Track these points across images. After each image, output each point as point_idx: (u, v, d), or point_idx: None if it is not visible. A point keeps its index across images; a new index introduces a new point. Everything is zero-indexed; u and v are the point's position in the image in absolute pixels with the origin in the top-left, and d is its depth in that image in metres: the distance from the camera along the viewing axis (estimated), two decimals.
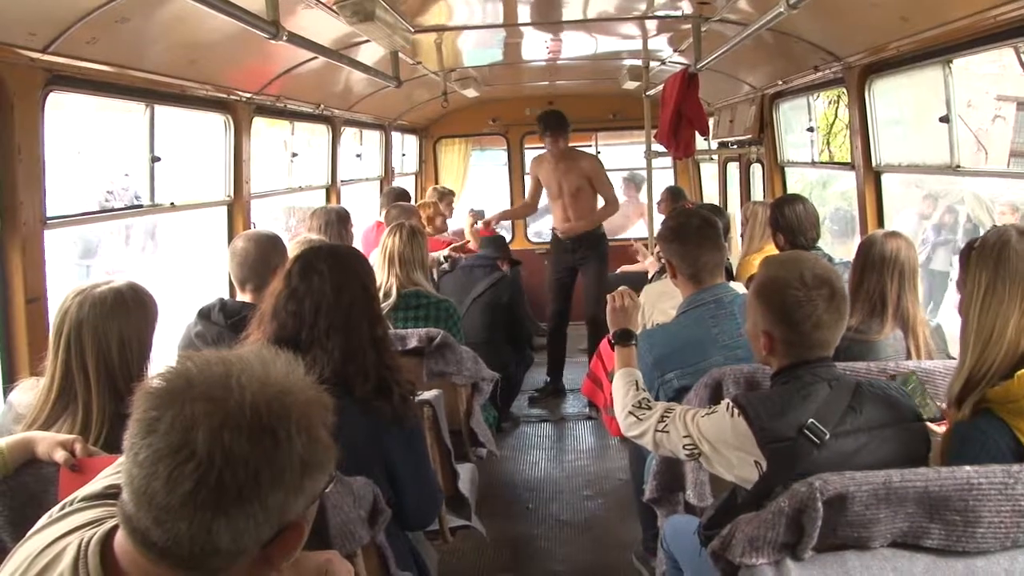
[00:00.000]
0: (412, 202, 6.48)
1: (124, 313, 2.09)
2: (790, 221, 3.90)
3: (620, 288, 2.79)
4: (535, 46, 5.76)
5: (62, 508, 1.26)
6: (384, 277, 3.87)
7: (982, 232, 2.25)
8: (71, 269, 8.70)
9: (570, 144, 6.23)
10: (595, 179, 6.25)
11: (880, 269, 2.86)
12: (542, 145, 6.25)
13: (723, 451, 2.08)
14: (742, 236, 5.08)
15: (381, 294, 3.78)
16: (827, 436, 1.95)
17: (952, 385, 2.03)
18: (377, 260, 3.96)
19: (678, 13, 4.49)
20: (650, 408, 2.34)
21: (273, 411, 1.05)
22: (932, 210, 8.48)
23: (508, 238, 8.22)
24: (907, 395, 2.15)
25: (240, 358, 1.09)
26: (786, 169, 5.70)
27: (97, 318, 2.06)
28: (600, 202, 6.38)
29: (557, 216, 6.44)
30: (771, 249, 4.54)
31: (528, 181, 6.64)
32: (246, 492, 1.02)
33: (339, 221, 4.56)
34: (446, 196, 6.82)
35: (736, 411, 2.06)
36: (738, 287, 3.19)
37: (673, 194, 6.95)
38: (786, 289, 2.04)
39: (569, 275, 6.46)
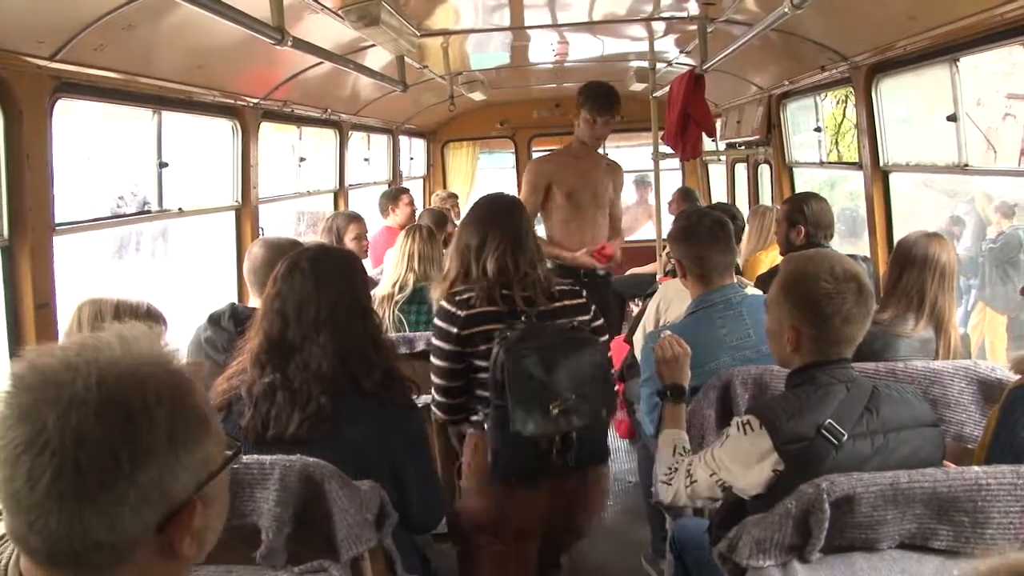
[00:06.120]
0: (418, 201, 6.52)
1: None
2: (817, 215, 3.90)
3: (667, 335, 2.62)
4: (541, 49, 5.76)
5: None
6: (401, 272, 4.01)
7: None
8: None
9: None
10: (619, 194, 4.88)
11: (922, 267, 2.87)
12: (551, 148, 6.00)
13: (743, 472, 2.03)
14: (749, 236, 5.06)
15: (397, 287, 3.98)
16: (845, 437, 1.92)
17: None
18: (394, 259, 4.09)
19: (684, 14, 4.48)
20: (676, 470, 2.30)
21: (125, 385, 0.99)
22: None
23: None
24: (921, 399, 2.13)
25: (97, 338, 1.04)
26: (794, 170, 5.68)
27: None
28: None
29: (576, 237, 4.57)
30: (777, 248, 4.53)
31: (526, 190, 4.62)
32: (108, 475, 0.96)
33: (338, 230, 4.86)
34: (449, 200, 6.85)
35: (748, 426, 2.02)
36: (749, 289, 3.18)
37: (685, 194, 6.90)
38: (816, 282, 2.01)
39: None
